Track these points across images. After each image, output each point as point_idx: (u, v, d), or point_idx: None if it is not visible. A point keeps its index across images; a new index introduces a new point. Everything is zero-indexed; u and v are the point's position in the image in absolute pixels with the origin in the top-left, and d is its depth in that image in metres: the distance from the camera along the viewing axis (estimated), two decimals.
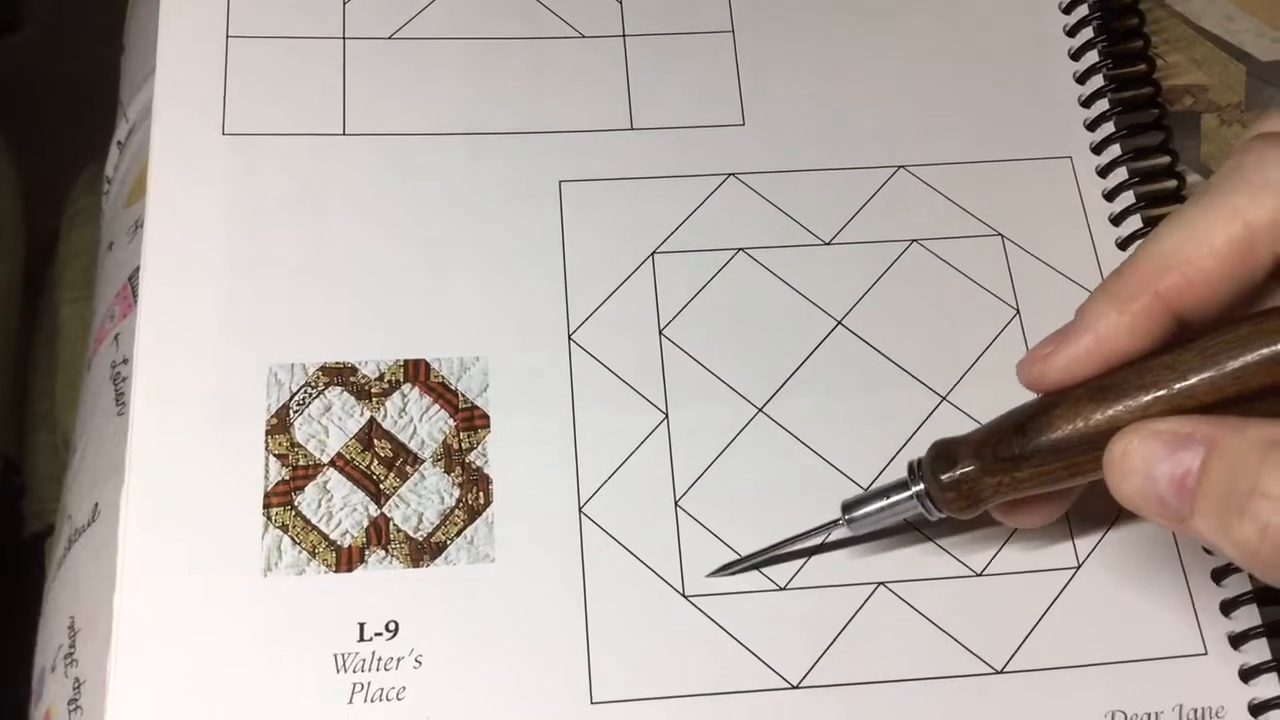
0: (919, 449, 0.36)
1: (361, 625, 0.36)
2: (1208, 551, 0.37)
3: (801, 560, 0.37)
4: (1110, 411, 0.31)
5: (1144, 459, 0.29)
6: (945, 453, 0.34)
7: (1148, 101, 0.43)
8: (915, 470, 0.35)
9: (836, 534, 0.37)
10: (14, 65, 0.88)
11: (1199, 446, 0.29)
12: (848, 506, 0.36)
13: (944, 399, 0.39)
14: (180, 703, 0.34)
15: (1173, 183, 0.42)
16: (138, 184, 0.51)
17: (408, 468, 0.38)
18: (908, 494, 0.35)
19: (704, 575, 0.37)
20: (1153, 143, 0.42)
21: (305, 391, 0.38)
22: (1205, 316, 0.31)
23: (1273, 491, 0.27)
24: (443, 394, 0.39)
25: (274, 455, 0.37)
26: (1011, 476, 0.33)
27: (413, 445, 0.38)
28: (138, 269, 0.45)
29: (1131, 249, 0.40)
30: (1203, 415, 0.29)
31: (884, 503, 0.35)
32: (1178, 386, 0.30)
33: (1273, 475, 0.27)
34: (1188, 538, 0.31)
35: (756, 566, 0.37)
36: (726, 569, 0.37)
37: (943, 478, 0.34)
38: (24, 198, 0.69)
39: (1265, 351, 0.29)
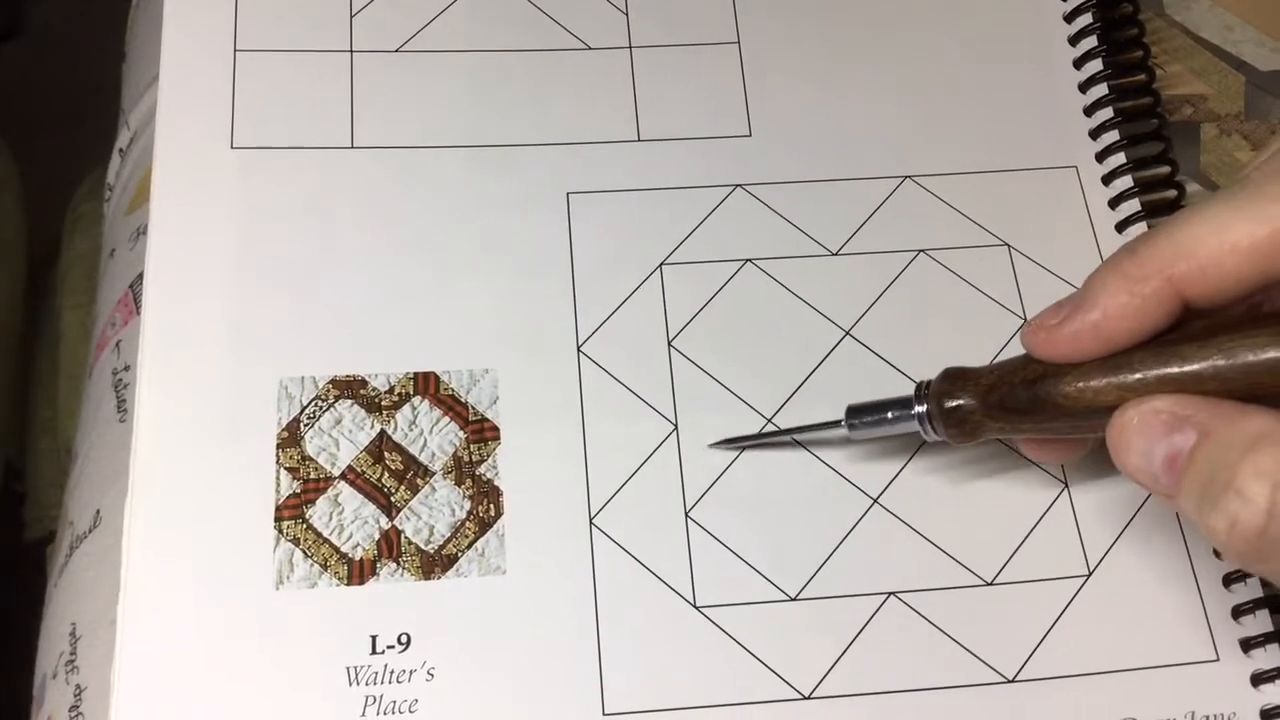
0: (927, 457, 0.36)
1: (374, 638, 0.36)
2: (1217, 556, 0.38)
3: (813, 569, 0.37)
4: (1120, 389, 0.32)
5: (1143, 435, 0.31)
6: (953, 385, 0.35)
7: (1148, 111, 0.43)
8: (922, 391, 0.36)
9: (836, 434, 0.38)
10: (15, 70, 0.88)
11: (1192, 431, 0.30)
12: (852, 411, 0.37)
13: None
14: (190, 718, 0.35)
15: (1173, 193, 0.42)
16: (139, 191, 0.51)
17: (418, 480, 0.38)
18: (910, 412, 0.36)
19: (706, 445, 0.38)
20: (1153, 153, 0.43)
21: (315, 405, 0.38)
22: (1210, 306, 0.32)
23: (1246, 490, 0.28)
24: (453, 406, 0.39)
25: (285, 468, 0.37)
26: (1012, 425, 0.34)
27: (423, 458, 0.38)
28: (139, 276, 0.45)
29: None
30: (1205, 399, 0.30)
31: (885, 415, 0.36)
32: (1189, 373, 0.31)
33: (1248, 473, 0.28)
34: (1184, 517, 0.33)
35: (755, 444, 0.39)
36: (729, 442, 0.38)
37: (946, 405, 0.35)
38: (26, 203, 0.69)
39: (1277, 356, 0.30)
